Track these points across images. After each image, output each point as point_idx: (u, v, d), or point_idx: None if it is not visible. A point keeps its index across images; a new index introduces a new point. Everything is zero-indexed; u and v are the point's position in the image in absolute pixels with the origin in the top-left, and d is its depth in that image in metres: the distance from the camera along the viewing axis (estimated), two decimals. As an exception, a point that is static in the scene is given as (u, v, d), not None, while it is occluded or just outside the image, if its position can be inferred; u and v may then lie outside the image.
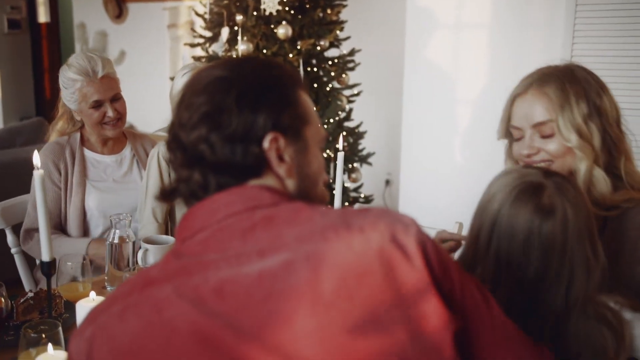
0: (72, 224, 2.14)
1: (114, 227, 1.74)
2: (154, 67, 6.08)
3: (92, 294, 1.39)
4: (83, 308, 1.37)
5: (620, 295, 1.23)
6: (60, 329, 1.27)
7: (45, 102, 7.65)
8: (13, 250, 2.20)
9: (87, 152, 2.24)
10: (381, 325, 0.79)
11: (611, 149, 1.34)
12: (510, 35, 3.28)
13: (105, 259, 1.76)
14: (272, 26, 3.60)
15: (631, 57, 2.98)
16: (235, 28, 3.67)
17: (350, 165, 3.87)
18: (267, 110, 0.90)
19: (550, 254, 1.07)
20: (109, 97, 2.14)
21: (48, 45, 7.77)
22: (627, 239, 1.30)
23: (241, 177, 0.90)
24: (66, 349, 1.27)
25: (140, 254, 1.80)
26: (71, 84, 2.12)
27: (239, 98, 0.90)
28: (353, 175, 3.85)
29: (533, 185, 1.11)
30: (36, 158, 1.35)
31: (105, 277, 1.78)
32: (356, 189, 3.99)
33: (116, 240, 1.73)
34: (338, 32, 3.76)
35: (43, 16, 7.43)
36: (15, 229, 2.22)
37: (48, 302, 1.42)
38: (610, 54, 3.02)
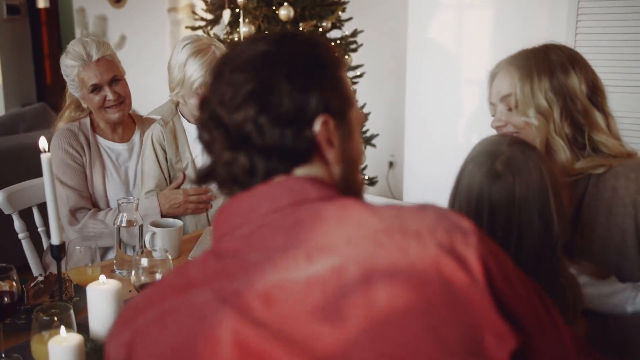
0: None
1: (121, 210, 1.74)
2: (154, 51, 6.05)
3: (102, 277, 1.39)
4: (93, 291, 1.37)
5: (588, 262, 1.35)
6: (72, 311, 1.28)
7: (46, 88, 7.64)
8: (21, 236, 2.21)
9: (100, 139, 2.22)
10: (436, 340, 0.72)
11: (577, 121, 1.42)
12: (514, 14, 3.25)
13: (114, 242, 1.76)
14: (274, 7, 3.58)
15: (636, 34, 2.96)
16: (237, 10, 3.64)
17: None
18: (318, 90, 0.84)
19: (497, 216, 1.14)
20: (106, 80, 2.11)
21: (48, 31, 7.73)
22: (602, 202, 1.39)
23: (290, 162, 0.84)
24: (79, 332, 1.28)
25: (147, 237, 1.80)
26: (70, 70, 2.11)
27: (290, 76, 0.83)
28: (357, 157, 3.84)
29: (491, 152, 1.18)
30: (43, 141, 1.34)
31: (114, 261, 1.78)
32: (360, 171, 3.99)
33: (124, 224, 1.73)
34: (340, 13, 3.73)
35: (42, 1, 7.38)
36: (22, 214, 2.22)
37: (59, 286, 1.42)
38: (614, 31, 3.00)
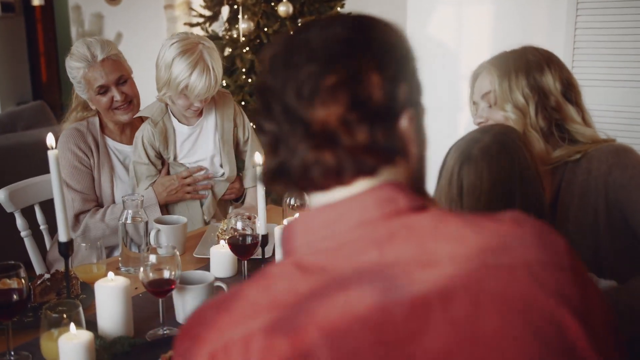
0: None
1: (126, 207, 1.73)
2: (151, 49, 6.02)
3: (111, 274, 1.38)
4: (102, 288, 1.37)
5: None
6: (80, 309, 1.27)
7: (41, 86, 7.60)
8: (23, 234, 2.20)
9: (108, 140, 2.18)
10: None
11: (551, 115, 1.52)
12: (513, 10, 3.26)
13: (119, 239, 1.76)
14: (273, 4, 3.57)
15: (635, 29, 2.97)
16: (235, 7, 3.64)
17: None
18: (405, 82, 0.77)
19: (465, 199, 1.23)
20: (113, 80, 2.07)
21: (43, 29, 7.69)
22: (577, 185, 1.49)
23: (378, 162, 0.76)
24: (87, 329, 1.28)
25: (152, 234, 1.80)
26: (76, 72, 2.08)
27: (381, 67, 0.75)
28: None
29: (474, 138, 1.27)
30: (50, 138, 1.33)
31: (119, 258, 1.78)
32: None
33: (129, 221, 1.73)
34: (339, 8, 3.73)
35: (37, -1, 7.33)
36: (24, 212, 2.21)
37: (66, 283, 1.42)
38: (614, 26, 3.00)
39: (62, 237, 1.34)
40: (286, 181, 0.78)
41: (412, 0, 3.59)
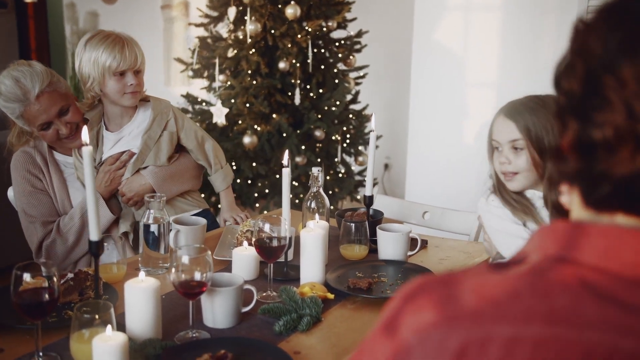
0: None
1: (149, 207, 1.69)
2: (146, 49, 5.96)
3: (142, 274, 1.35)
4: (132, 289, 1.33)
5: None
6: (112, 310, 1.24)
7: (32, 84, 7.50)
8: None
9: (58, 156, 2.07)
10: None
11: None
12: (522, 17, 3.27)
13: (140, 240, 1.72)
14: (280, 6, 3.55)
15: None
16: (240, 8, 3.61)
17: (352, 149, 3.85)
18: None
19: None
20: (54, 114, 1.91)
21: (35, 26, 7.59)
22: None
23: None
24: (119, 330, 1.24)
25: (172, 235, 1.76)
26: (10, 111, 1.91)
27: None
28: (360, 159, 3.83)
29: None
30: (85, 134, 1.30)
31: (139, 258, 1.74)
32: (360, 173, 3.97)
33: (150, 221, 1.69)
34: (346, 13, 3.72)
35: (30, -5, 7.24)
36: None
37: (95, 283, 1.38)
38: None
39: (93, 235, 1.30)
40: (618, 198, 0.64)
41: (419, 6, 3.59)
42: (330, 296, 1.56)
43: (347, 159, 3.87)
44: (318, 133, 3.58)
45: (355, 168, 3.91)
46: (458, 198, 3.42)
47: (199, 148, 2.15)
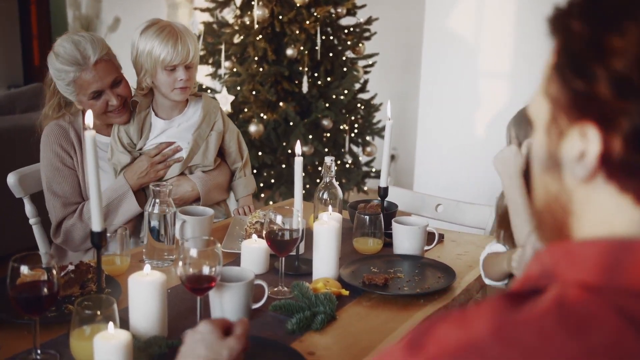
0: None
1: (154, 196, 1.61)
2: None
3: (147, 267, 1.27)
4: (136, 284, 1.25)
5: None
6: (115, 305, 1.16)
7: (34, 70, 7.40)
8: (32, 221, 2.07)
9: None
10: None
11: None
12: (539, 3, 3.16)
13: (144, 230, 1.64)
14: (288, -9, 3.46)
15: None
16: (248, -7, 3.52)
17: (359, 140, 3.76)
18: None
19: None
20: (108, 83, 1.88)
21: (37, 11, 7.48)
22: None
23: None
24: (122, 327, 1.16)
25: (177, 226, 1.68)
26: (63, 75, 1.86)
27: None
28: (368, 149, 3.75)
29: None
30: (89, 116, 1.21)
31: (143, 250, 1.66)
32: (367, 163, 3.89)
33: (156, 211, 1.61)
34: (355, -1, 3.62)
35: (32, -20, 7.14)
36: (33, 198, 2.08)
37: (97, 276, 1.30)
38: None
39: (96, 226, 1.22)
40: None
41: (431, -7, 3.48)
42: (345, 292, 1.48)
43: (355, 149, 3.78)
44: (326, 122, 3.49)
45: (362, 158, 3.82)
46: (469, 190, 3.34)
47: (238, 151, 2.12)
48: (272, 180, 3.49)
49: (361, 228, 1.78)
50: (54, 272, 1.17)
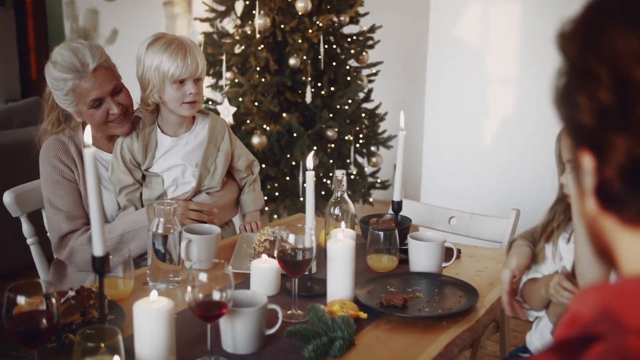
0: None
1: (157, 214, 1.53)
2: (148, 46, 5.81)
3: (154, 293, 1.18)
4: (142, 312, 1.16)
5: None
6: (120, 336, 1.07)
7: (31, 84, 7.33)
8: (29, 241, 1.99)
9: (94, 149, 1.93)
10: None
11: None
12: (546, 8, 3.09)
13: (148, 251, 1.55)
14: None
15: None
16: (248, 2, 3.45)
17: (364, 150, 3.68)
18: None
19: None
20: (108, 91, 1.81)
21: (34, 23, 7.42)
22: None
23: None
24: (128, 358, 1.08)
25: (183, 245, 1.59)
26: (61, 84, 1.79)
27: None
28: (373, 160, 3.67)
29: None
30: (88, 134, 1.13)
31: (147, 272, 1.57)
32: (372, 174, 3.81)
33: (160, 230, 1.52)
34: (359, 7, 3.55)
35: (28, -7, 7.08)
36: (31, 217, 2.00)
37: (100, 304, 1.21)
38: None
39: (97, 250, 1.14)
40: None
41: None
42: (363, 315, 1.39)
43: (360, 159, 3.70)
44: (330, 133, 3.41)
45: (367, 169, 3.74)
46: (479, 201, 3.26)
47: (248, 167, 2.06)
48: (277, 193, 3.41)
49: (375, 244, 1.70)
50: (54, 300, 1.09)
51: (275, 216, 3.42)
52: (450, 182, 3.45)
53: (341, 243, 1.47)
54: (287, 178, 3.43)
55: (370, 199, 3.73)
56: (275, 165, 3.42)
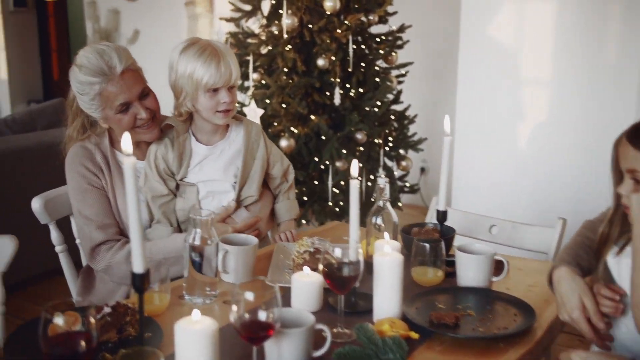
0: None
1: (195, 225, 1.46)
2: (170, 48, 5.75)
3: (196, 313, 1.10)
4: (184, 332, 1.09)
5: None
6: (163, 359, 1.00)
7: (53, 84, 7.33)
8: (58, 249, 1.93)
9: (120, 157, 1.84)
10: None
11: None
12: (582, 8, 2.98)
13: (184, 262, 1.48)
14: (318, -1, 3.30)
15: None
16: (274, 2, 3.37)
17: (393, 153, 3.59)
18: None
19: None
20: (136, 95, 1.75)
21: (56, 24, 7.43)
22: None
23: None
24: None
25: (220, 257, 1.52)
26: (87, 89, 1.72)
27: None
28: (403, 163, 3.58)
29: None
30: (126, 140, 1.05)
31: (184, 284, 1.50)
32: (400, 178, 3.72)
33: (197, 242, 1.45)
34: (388, 6, 3.46)
35: (50, -7, 7.08)
36: (60, 224, 1.94)
37: (140, 324, 1.14)
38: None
39: (137, 267, 1.07)
40: None
41: (468, -1, 3.31)
42: (415, 336, 1.30)
43: (389, 163, 3.61)
44: (359, 136, 3.32)
45: (397, 173, 3.65)
46: (513, 207, 3.15)
47: (283, 175, 1.99)
48: (305, 198, 3.33)
49: (420, 256, 1.61)
50: (92, 320, 1.02)
51: (304, 221, 3.34)
52: (483, 187, 3.34)
53: (389, 257, 1.38)
54: (316, 182, 3.35)
55: (400, 204, 3.64)
56: (303, 169, 3.34)
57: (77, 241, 1.99)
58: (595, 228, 1.52)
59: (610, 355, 1.36)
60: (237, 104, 3.47)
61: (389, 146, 3.49)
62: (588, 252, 1.49)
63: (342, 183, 3.35)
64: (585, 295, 1.36)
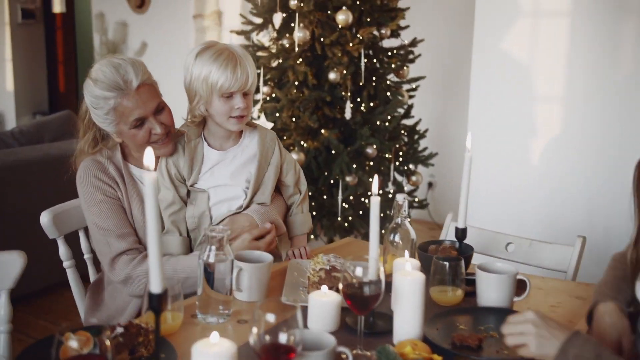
0: None
1: (209, 241, 1.41)
2: (177, 60, 5.75)
3: (215, 335, 1.06)
4: (202, 356, 1.04)
5: None
6: (179, 384, 0.96)
7: (59, 97, 7.33)
8: (66, 264, 1.89)
9: (134, 169, 1.83)
10: None
11: None
12: (597, 23, 2.95)
13: (198, 280, 1.44)
14: (330, 12, 3.28)
15: None
16: (285, 15, 3.35)
17: (402, 168, 3.55)
18: None
19: None
20: (151, 110, 1.72)
21: (63, 37, 7.43)
22: None
23: None
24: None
25: (234, 274, 1.48)
26: (102, 103, 1.70)
27: None
28: (413, 178, 3.54)
29: None
30: (149, 155, 1.01)
31: (197, 302, 1.46)
32: (410, 193, 3.67)
33: (212, 259, 1.41)
34: (401, 20, 3.44)
35: (58, 6, 7.09)
36: (68, 239, 1.90)
37: (155, 347, 1.09)
38: None
39: (155, 287, 1.02)
40: None
41: (480, 12, 3.28)
42: (438, 358, 1.25)
43: (399, 178, 3.57)
44: (370, 150, 3.28)
45: (407, 188, 3.60)
46: (526, 225, 3.10)
47: (295, 184, 1.96)
48: (314, 213, 3.29)
49: (439, 275, 1.57)
50: (108, 343, 0.97)
51: (312, 237, 3.29)
52: (496, 203, 3.29)
53: (410, 277, 1.34)
54: (325, 197, 3.31)
55: (408, 220, 3.59)
56: (313, 184, 3.30)
57: (86, 256, 1.96)
58: (625, 259, 1.47)
59: None
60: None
61: (399, 161, 3.45)
62: (629, 285, 1.44)
63: (352, 198, 3.30)
64: (625, 336, 1.32)
